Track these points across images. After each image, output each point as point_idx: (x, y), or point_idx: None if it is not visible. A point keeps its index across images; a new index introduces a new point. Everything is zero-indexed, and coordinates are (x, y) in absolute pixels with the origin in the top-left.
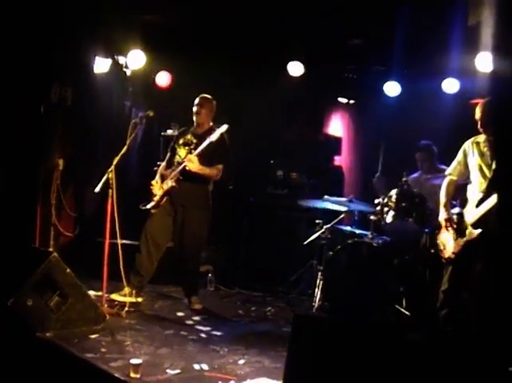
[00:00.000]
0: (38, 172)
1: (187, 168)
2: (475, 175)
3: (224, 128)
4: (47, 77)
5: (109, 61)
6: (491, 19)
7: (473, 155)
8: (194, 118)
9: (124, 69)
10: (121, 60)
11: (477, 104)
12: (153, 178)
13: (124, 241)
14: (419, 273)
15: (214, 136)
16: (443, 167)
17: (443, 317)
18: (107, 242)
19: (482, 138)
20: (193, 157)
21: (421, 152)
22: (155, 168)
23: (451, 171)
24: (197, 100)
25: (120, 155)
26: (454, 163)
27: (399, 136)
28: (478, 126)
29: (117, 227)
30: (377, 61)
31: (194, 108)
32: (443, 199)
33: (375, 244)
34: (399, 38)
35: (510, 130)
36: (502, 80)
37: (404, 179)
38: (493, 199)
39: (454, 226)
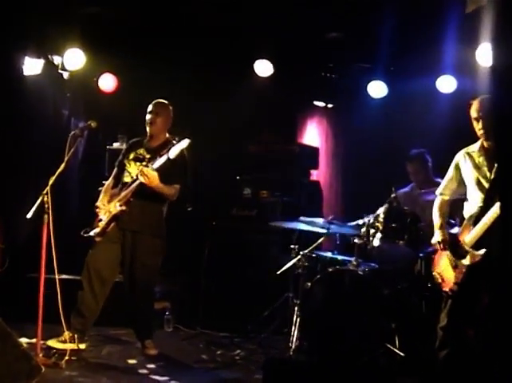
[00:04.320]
0: None
1: (145, 182)
2: (472, 191)
3: (185, 143)
4: None
5: (42, 62)
6: (493, 5)
7: (467, 169)
8: (148, 129)
9: (61, 71)
10: (56, 60)
11: None
12: (97, 200)
13: (63, 276)
14: (414, 306)
15: (173, 153)
16: (439, 180)
17: (443, 360)
18: (42, 277)
19: (475, 147)
20: (151, 171)
21: (412, 163)
22: (100, 188)
23: (442, 190)
24: (151, 107)
25: (56, 174)
26: (445, 181)
27: (387, 144)
28: (478, 127)
29: (54, 259)
30: (359, 58)
31: (148, 117)
32: (437, 219)
33: (360, 272)
34: (384, 30)
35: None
36: (504, 75)
37: (393, 195)
38: (493, 213)
39: (452, 248)
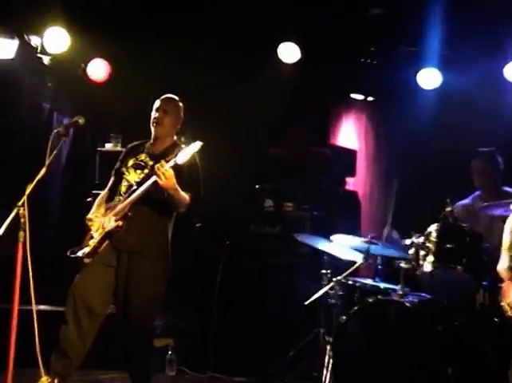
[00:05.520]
0: None
1: (161, 182)
2: None
3: (196, 146)
4: None
5: (16, 43)
6: None
7: None
8: (153, 129)
9: (40, 55)
10: (34, 41)
11: None
12: (85, 214)
13: (42, 307)
14: (477, 346)
15: (181, 158)
16: (508, 189)
17: None
18: (15, 309)
19: None
20: (168, 169)
21: (480, 160)
22: (89, 199)
23: None
24: (158, 103)
25: (35, 182)
26: None
27: (441, 146)
28: None
29: (31, 286)
30: (407, 39)
31: (154, 115)
32: (507, 240)
33: (408, 304)
34: (437, 5)
35: None
36: None
37: (449, 208)
38: None
39: None
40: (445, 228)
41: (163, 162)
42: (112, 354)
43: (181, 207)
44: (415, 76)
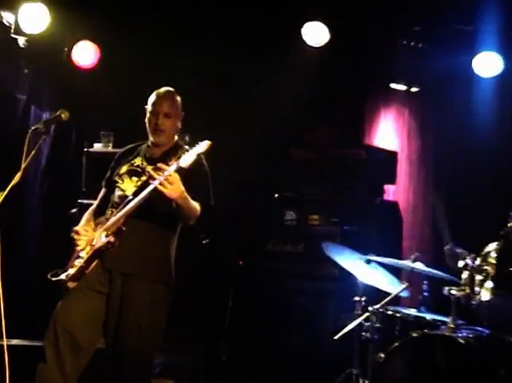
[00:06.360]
0: None
1: (166, 191)
2: None
3: (203, 147)
4: None
5: None
6: None
7: None
8: (155, 138)
9: (14, 36)
10: (8, 18)
11: None
12: (69, 227)
13: (15, 341)
14: None
15: (185, 161)
16: None
17: None
18: None
19: None
20: (173, 173)
21: None
22: (74, 210)
23: None
24: (156, 105)
25: (8, 189)
26: None
27: (504, 145)
28: None
29: (2, 315)
30: (458, 17)
31: (155, 121)
32: None
33: (461, 340)
34: None
35: None
36: None
37: (511, 223)
38: None
39: None
40: (507, 248)
41: (161, 165)
42: None
43: (191, 219)
44: (471, 61)
